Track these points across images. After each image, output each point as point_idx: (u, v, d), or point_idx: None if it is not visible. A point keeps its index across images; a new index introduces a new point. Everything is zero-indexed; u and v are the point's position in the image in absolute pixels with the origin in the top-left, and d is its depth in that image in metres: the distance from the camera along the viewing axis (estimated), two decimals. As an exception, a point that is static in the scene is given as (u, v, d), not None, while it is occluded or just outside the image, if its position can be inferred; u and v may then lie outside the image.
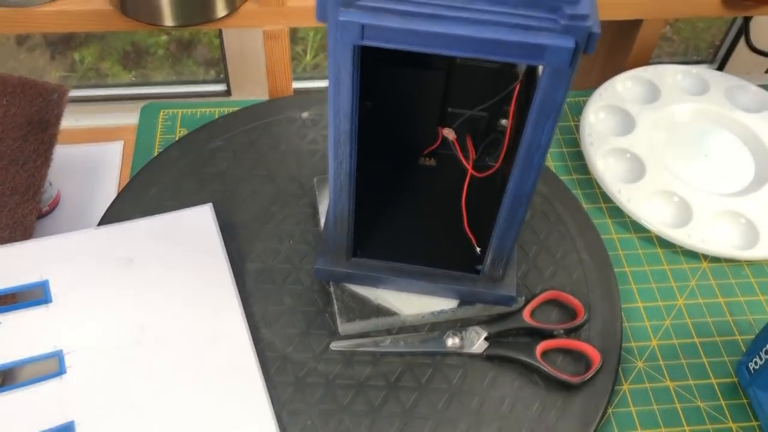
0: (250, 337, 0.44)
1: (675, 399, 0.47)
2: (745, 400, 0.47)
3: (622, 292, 0.51)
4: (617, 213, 0.56)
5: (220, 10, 0.62)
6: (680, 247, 0.55)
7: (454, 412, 0.43)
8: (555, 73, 0.32)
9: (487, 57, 0.32)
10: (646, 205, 0.55)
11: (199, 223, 0.48)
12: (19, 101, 0.49)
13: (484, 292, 0.46)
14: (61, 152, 0.57)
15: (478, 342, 0.46)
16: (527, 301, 0.47)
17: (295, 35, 0.90)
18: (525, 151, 0.36)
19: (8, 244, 0.45)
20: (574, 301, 0.48)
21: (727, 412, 0.47)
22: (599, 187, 0.58)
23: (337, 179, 0.40)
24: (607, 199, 0.57)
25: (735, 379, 0.48)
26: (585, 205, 0.56)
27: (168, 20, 0.61)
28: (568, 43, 0.31)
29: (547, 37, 0.31)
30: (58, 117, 0.50)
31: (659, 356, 0.49)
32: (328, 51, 0.33)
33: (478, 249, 0.46)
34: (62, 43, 0.85)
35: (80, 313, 0.44)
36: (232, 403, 0.42)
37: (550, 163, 0.59)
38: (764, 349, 0.45)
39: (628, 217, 0.56)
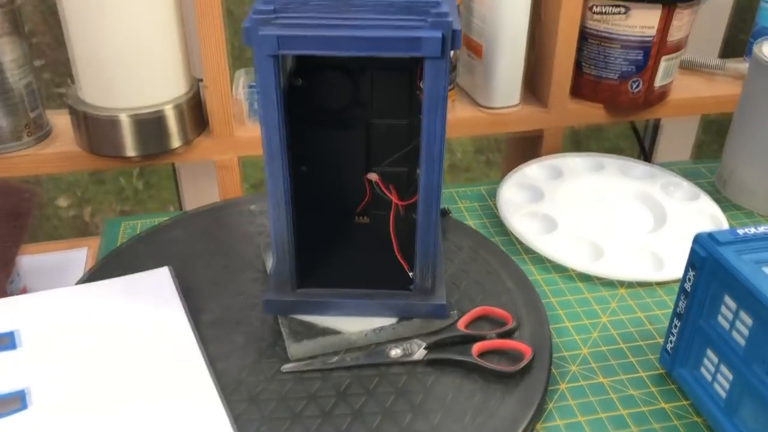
0: (207, 364, 0.47)
1: (609, 391, 0.50)
2: (673, 386, 0.51)
3: (550, 317, 0.56)
4: (537, 260, 0.63)
5: (175, 141, 0.71)
6: (598, 278, 0.61)
7: (400, 407, 0.46)
8: (433, 66, 0.41)
9: (379, 53, 0.41)
10: (562, 249, 0.62)
11: (158, 280, 0.53)
12: (-3, 199, 0.56)
13: (417, 304, 0.50)
14: (28, 260, 0.63)
15: (418, 351, 0.50)
16: (460, 316, 0.52)
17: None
18: (425, 143, 0.44)
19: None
20: (504, 313, 0.53)
21: (658, 396, 0.50)
22: (519, 243, 0.65)
23: (274, 196, 0.47)
24: (527, 250, 0.63)
25: (661, 371, 0.52)
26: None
27: (129, 151, 0.70)
28: (437, 34, 0.40)
29: (421, 32, 0.40)
30: (30, 210, 0.56)
31: (590, 360, 0.53)
32: (255, 69, 0.42)
33: (411, 273, 0.51)
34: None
35: (45, 358, 0.47)
36: (189, 413, 0.44)
37: (471, 224, 0.67)
38: (674, 329, 0.49)
39: (548, 261, 0.62)
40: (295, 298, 0.51)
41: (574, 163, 0.75)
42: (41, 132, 0.72)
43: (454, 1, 0.47)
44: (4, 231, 0.54)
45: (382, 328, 0.51)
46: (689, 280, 0.47)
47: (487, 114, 0.79)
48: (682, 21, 0.75)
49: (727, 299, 0.45)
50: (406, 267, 0.52)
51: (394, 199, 0.53)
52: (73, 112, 0.69)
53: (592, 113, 0.81)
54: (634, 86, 0.78)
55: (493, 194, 0.72)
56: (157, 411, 0.44)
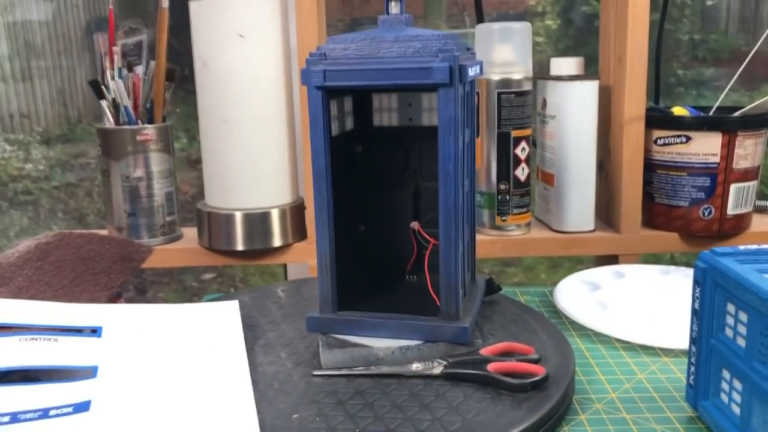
0: (249, 378, 0.53)
1: (631, 423, 0.49)
2: (701, 425, 0.49)
3: (584, 371, 0.57)
4: (585, 336, 0.64)
5: (276, 240, 0.83)
6: (641, 346, 0.61)
7: (411, 405, 0.49)
8: (444, 93, 0.51)
9: (401, 82, 0.51)
10: (609, 323, 0.64)
11: (226, 309, 0.62)
12: (118, 247, 0.69)
13: (441, 326, 0.54)
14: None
15: (438, 368, 0.53)
16: (485, 346, 0.55)
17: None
18: (441, 163, 0.52)
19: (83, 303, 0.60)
20: (528, 348, 0.55)
21: (680, 427, 0.48)
22: (569, 322, 0.66)
23: (320, 215, 0.55)
24: (576, 327, 0.65)
25: (691, 413, 0.50)
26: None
27: (239, 245, 0.83)
28: (445, 64, 0.50)
29: (432, 63, 0.51)
30: (142, 258, 0.69)
31: (617, 401, 0.52)
32: (308, 103, 0.54)
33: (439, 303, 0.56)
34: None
35: (117, 348, 0.56)
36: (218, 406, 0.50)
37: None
38: (692, 359, 0.49)
39: (594, 335, 0.63)
40: (334, 317, 0.57)
41: (640, 268, 0.77)
42: (173, 234, 0.87)
43: (472, 52, 0.57)
44: (119, 267, 0.66)
45: (408, 347, 0.55)
46: (697, 299, 0.48)
47: (560, 236, 0.84)
48: (746, 150, 0.79)
49: (729, 306, 0.45)
50: (435, 298, 0.56)
51: (432, 240, 0.60)
52: (199, 213, 0.84)
53: (667, 241, 0.84)
54: (706, 213, 0.81)
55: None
56: (193, 407, 0.50)
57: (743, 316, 0.43)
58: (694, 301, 0.49)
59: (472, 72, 0.54)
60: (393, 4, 0.56)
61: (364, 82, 0.52)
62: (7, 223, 2.70)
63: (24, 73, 3.12)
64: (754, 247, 0.47)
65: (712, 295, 0.47)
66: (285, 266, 1.06)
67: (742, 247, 0.47)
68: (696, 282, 0.48)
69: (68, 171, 2.96)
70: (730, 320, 0.45)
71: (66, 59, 3.13)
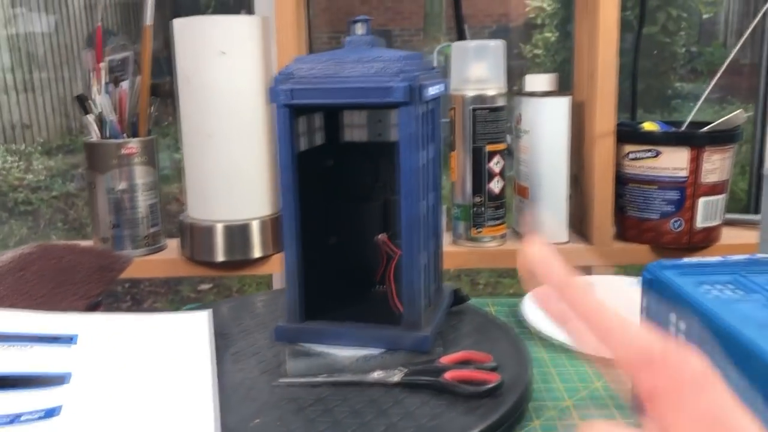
0: (215, 385, 0.55)
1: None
2: (648, 431, 0.51)
3: (542, 379, 0.59)
4: (550, 345, 0.66)
5: (257, 251, 0.85)
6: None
7: (368, 411, 0.51)
8: (404, 111, 0.53)
9: (363, 100, 0.54)
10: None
11: (198, 318, 0.64)
12: (98, 257, 0.71)
13: (402, 335, 0.56)
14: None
15: (398, 375, 0.55)
16: (445, 355, 0.57)
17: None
18: (404, 178, 0.54)
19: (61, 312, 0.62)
20: (485, 356, 0.57)
21: None
22: (536, 334, 0.68)
23: (287, 227, 0.57)
24: (542, 339, 0.67)
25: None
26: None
27: (220, 256, 0.85)
28: (404, 84, 0.52)
29: (392, 83, 0.53)
30: (120, 269, 0.71)
31: (572, 409, 0.54)
32: (275, 120, 0.56)
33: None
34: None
35: (90, 356, 0.58)
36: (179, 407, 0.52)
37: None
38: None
39: (559, 346, 0.65)
40: (301, 326, 0.59)
41: (610, 279, 0.79)
42: (156, 245, 0.89)
43: (437, 71, 0.60)
44: (97, 277, 0.68)
45: (370, 356, 0.57)
46: (644, 309, 0.50)
47: (534, 248, 0.86)
48: (714, 164, 0.81)
49: (672, 317, 0.47)
50: (399, 307, 0.58)
51: (397, 251, 0.62)
52: (181, 224, 0.86)
53: (639, 253, 0.86)
54: (676, 225, 0.83)
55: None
56: (155, 413, 0.52)
57: (682, 326, 0.45)
58: (641, 311, 0.50)
59: (432, 91, 0.56)
60: (358, 25, 0.58)
61: (328, 100, 0.54)
62: (7, 232, 2.73)
63: (26, 84, 3.16)
64: (697, 260, 0.49)
65: (656, 305, 0.49)
66: (271, 276, 1.09)
67: (686, 260, 0.49)
68: (642, 292, 0.50)
69: (68, 181, 2.99)
70: (672, 330, 0.47)
71: (68, 71, 3.18)
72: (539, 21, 3.88)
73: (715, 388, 0.21)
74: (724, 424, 0.20)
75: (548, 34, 3.86)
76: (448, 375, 0.53)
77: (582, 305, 0.23)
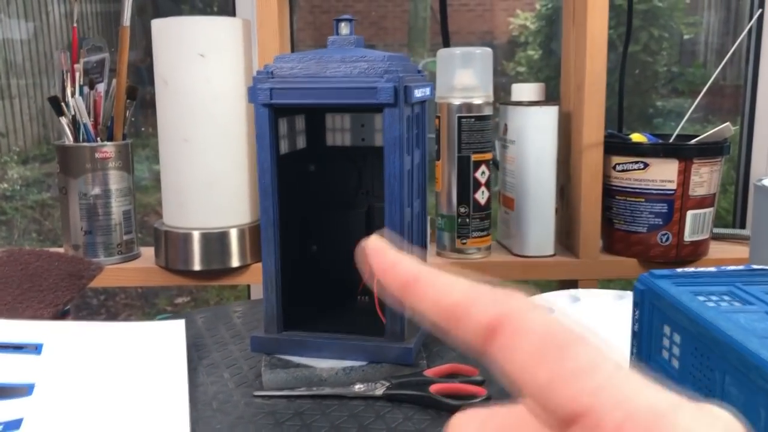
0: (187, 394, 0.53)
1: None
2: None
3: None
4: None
5: (235, 261, 0.83)
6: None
7: (351, 426, 0.48)
8: (389, 113, 0.51)
9: (347, 101, 0.51)
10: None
11: (172, 328, 0.61)
12: (67, 264, 0.68)
13: (385, 347, 0.54)
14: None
15: (381, 389, 0.52)
16: (430, 368, 0.54)
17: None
18: (387, 182, 0.52)
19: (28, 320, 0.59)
20: (472, 370, 0.54)
21: None
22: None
23: (265, 233, 0.55)
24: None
25: None
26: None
27: (197, 265, 0.82)
28: (389, 84, 0.50)
29: (377, 84, 0.51)
30: (91, 276, 0.68)
31: None
32: (255, 120, 0.54)
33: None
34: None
35: (56, 366, 0.55)
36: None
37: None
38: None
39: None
40: (279, 337, 0.56)
41: (596, 292, 0.77)
42: (130, 253, 0.86)
43: (423, 75, 0.58)
44: (66, 284, 0.65)
45: (352, 368, 0.54)
46: (636, 320, 0.48)
47: (520, 260, 0.84)
48: (702, 177, 0.80)
49: (665, 328, 0.45)
50: (381, 317, 0.56)
51: (379, 261, 0.59)
52: (157, 232, 0.83)
53: (626, 267, 0.84)
54: (664, 239, 0.81)
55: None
56: (126, 426, 0.49)
57: (677, 338, 0.43)
58: (633, 323, 0.49)
59: (418, 93, 0.54)
60: (343, 24, 0.56)
61: (310, 100, 0.52)
62: (-21, 242, 2.67)
63: (3, 91, 3.11)
64: (691, 270, 0.47)
65: (650, 316, 0.47)
66: (249, 287, 1.06)
67: (679, 270, 0.47)
68: (635, 304, 0.48)
69: (44, 191, 2.93)
70: (666, 342, 0.45)
71: (46, 78, 3.13)
72: (523, 39, 3.90)
73: (541, 310, 0.19)
74: (555, 333, 0.19)
75: (531, 52, 3.88)
76: (434, 388, 0.51)
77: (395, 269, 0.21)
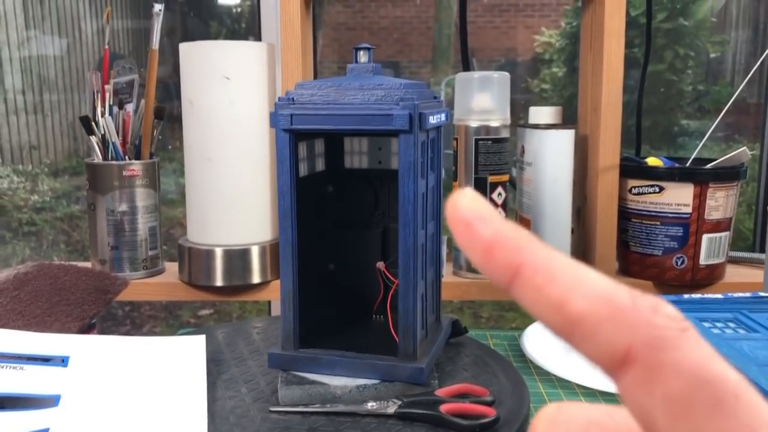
0: (205, 411, 0.55)
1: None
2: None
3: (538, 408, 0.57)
4: (548, 381, 0.65)
5: (256, 277, 0.85)
6: (602, 393, 0.61)
7: (358, 437, 0.50)
8: (404, 139, 0.53)
9: (363, 127, 0.53)
10: (571, 369, 0.64)
11: (192, 343, 0.63)
12: (94, 279, 0.70)
13: (398, 366, 0.55)
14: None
15: (393, 407, 0.53)
16: (440, 387, 0.56)
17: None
18: (401, 206, 0.54)
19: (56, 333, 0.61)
20: (483, 390, 0.55)
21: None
22: (534, 367, 0.67)
23: (284, 251, 0.57)
24: (540, 372, 0.66)
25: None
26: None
27: (219, 281, 0.84)
28: (405, 112, 0.52)
29: (393, 111, 0.53)
30: (117, 291, 0.70)
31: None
32: (276, 144, 0.56)
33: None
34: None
35: (82, 378, 0.57)
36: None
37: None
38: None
39: (557, 380, 0.64)
40: (295, 354, 0.58)
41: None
42: (155, 269, 0.89)
43: (439, 101, 0.59)
44: (92, 298, 0.68)
45: (365, 386, 0.56)
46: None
47: (535, 281, 0.85)
48: (717, 201, 0.81)
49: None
50: (395, 337, 0.58)
51: (395, 280, 0.61)
52: (180, 248, 0.86)
53: (641, 290, 0.84)
54: (679, 262, 0.82)
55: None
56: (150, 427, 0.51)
57: (683, 364, 0.44)
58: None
59: (433, 120, 0.56)
60: (361, 53, 0.58)
61: (328, 126, 0.54)
62: (9, 252, 2.73)
63: (36, 106, 3.19)
64: (699, 296, 0.48)
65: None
66: (269, 303, 1.08)
67: (686, 296, 0.48)
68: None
69: (73, 203, 3.00)
70: (672, 368, 0.46)
71: (78, 94, 3.20)
72: (547, 56, 3.91)
73: (693, 338, 0.16)
74: (709, 381, 0.15)
75: (556, 69, 3.88)
76: (444, 408, 0.52)
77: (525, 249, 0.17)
